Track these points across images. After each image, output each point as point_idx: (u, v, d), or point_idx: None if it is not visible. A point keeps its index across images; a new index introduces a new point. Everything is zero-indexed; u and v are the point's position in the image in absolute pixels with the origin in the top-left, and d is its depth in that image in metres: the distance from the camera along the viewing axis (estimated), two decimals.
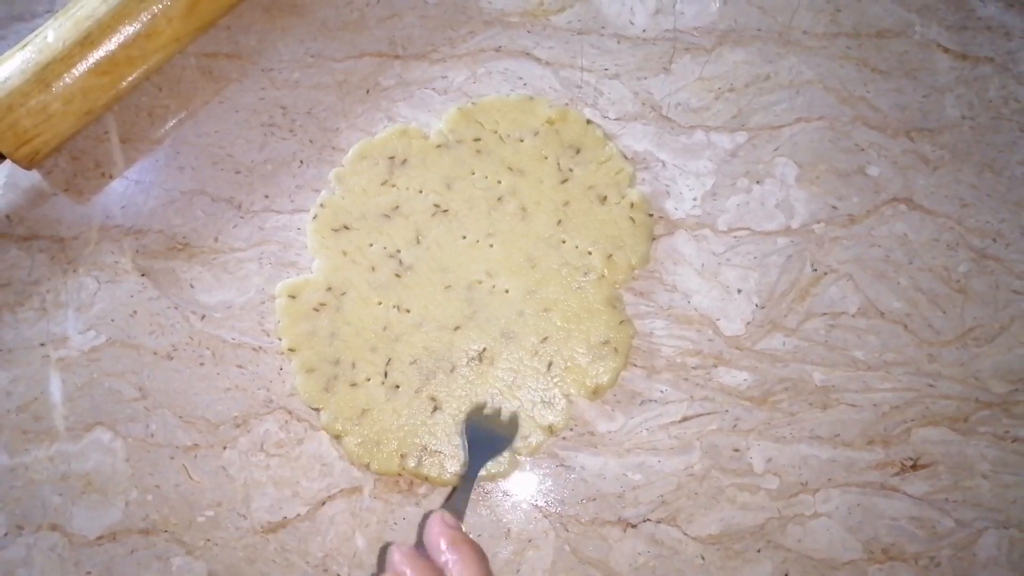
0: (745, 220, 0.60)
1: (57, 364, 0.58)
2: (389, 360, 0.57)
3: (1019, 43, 0.63)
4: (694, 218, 0.60)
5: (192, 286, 0.59)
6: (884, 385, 0.57)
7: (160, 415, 0.57)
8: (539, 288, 0.58)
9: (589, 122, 0.61)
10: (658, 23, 0.63)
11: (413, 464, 0.55)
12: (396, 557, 0.43)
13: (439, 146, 0.60)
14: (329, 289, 0.58)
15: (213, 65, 0.63)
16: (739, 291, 0.59)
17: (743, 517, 0.56)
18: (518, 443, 0.55)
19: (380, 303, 0.58)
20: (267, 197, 0.61)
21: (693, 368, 0.58)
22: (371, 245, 0.59)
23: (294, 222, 0.60)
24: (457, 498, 0.50)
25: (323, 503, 0.56)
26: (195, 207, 0.61)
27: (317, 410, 0.56)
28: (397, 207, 0.59)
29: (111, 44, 0.57)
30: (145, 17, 0.57)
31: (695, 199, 0.60)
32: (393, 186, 0.60)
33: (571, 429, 0.57)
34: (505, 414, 0.56)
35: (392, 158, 0.60)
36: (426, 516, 0.51)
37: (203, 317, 0.59)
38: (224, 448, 0.57)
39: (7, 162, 0.58)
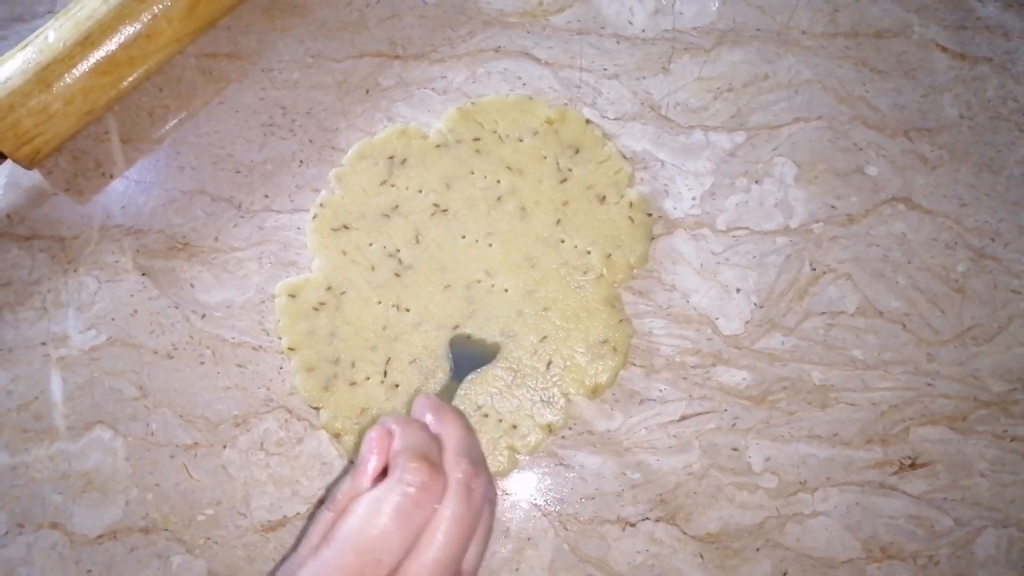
0: (744, 220, 0.60)
1: (58, 363, 0.58)
2: (389, 359, 0.57)
3: (1017, 43, 0.63)
4: (693, 218, 0.60)
5: (192, 285, 0.59)
6: (883, 384, 0.58)
7: (160, 414, 0.57)
8: (538, 287, 0.58)
9: (588, 122, 0.61)
10: (657, 23, 0.63)
11: None
12: (384, 420, 0.42)
13: (438, 146, 0.60)
14: (329, 288, 0.58)
15: (213, 65, 0.63)
16: (738, 290, 0.59)
17: (742, 516, 0.56)
18: (500, 371, 0.56)
19: (380, 302, 0.58)
20: (267, 197, 0.61)
21: (692, 367, 0.58)
22: (371, 244, 0.59)
23: (294, 222, 0.60)
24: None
25: (323, 502, 0.56)
26: (195, 207, 0.61)
27: (317, 409, 0.57)
28: (397, 207, 0.59)
29: (112, 44, 0.57)
30: (146, 18, 0.57)
31: (694, 199, 0.60)
32: (393, 186, 0.60)
33: (570, 428, 0.57)
34: (489, 340, 0.57)
35: (392, 158, 0.60)
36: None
37: (203, 316, 0.59)
38: (224, 447, 0.57)
39: (8, 162, 0.58)
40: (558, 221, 0.59)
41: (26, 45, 0.57)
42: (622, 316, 0.58)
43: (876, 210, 0.60)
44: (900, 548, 0.55)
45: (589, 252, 0.58)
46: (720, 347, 0.58)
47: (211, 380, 0.58)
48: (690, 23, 0.63)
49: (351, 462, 0.56)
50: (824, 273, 0.59)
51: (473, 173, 0.60)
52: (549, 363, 0.57)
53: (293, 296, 0.58)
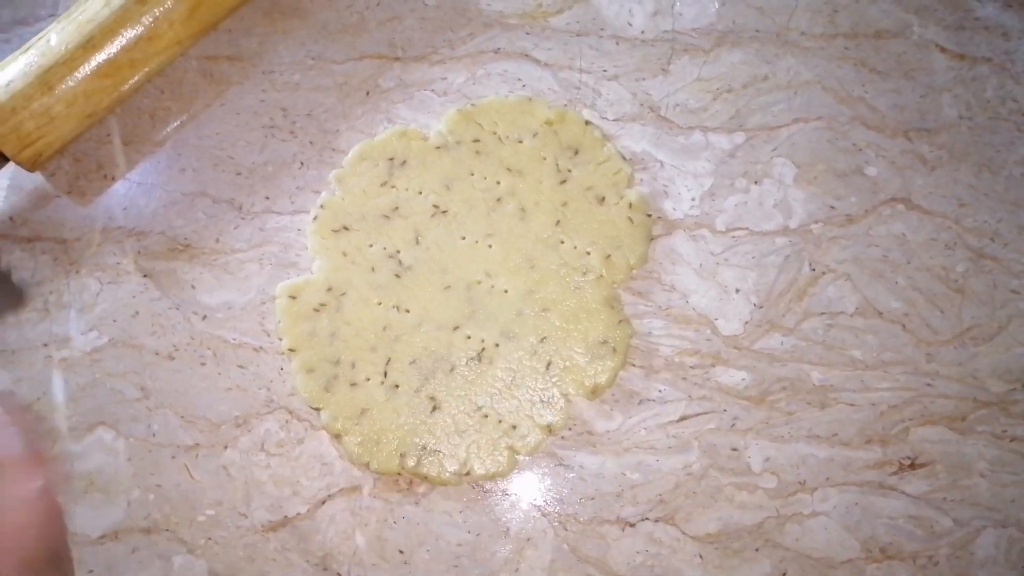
0: (743, 220, 0.60)
1: (60, 365, 0.58)
2: (389, 360, 0.57)
3: (1017, 43, 0.63)
4: (692, 218, 0.60)
5: (193, 287, 0.60)
6: (882, 384, 0.58)
7: (162, 415, 0.58)
8: (538, 288, 0.58)
9: (587, 123, 0.61)
10: (656, 24, 0.63)
11: (412, 463, 0.56)
12: None
13: (438, 147, 0.60)
14: (329, 290, 0.58)
15: (214, 68, 0.63)
16: (737, 291, 0.59)
17: (741, 516, 0.56)
18: None
19: (380, 303, 0.58)
20: (268, 198, 0.61)
21: (691, 368, 0.58)
22: (371, 246, 0.59)
23: (294, 223, 0.61)
24: None
25: (323, 502, 0.56)
26: (196, 208, 0.61)
27: (317, 410, 0.57)
28: (397, 208, 0.60)
29: (113, 47, 0.57)
30: (147, 20, 0.57)
31: (693, 199, 0.61)
32: (393, 187, 0.60)
33: (570, 428, 0.57)
34: None
35: (392, 159, 0.60)
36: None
37: (204, 318, 0.59)
38: (225, 447, 0.57)
39: (10, 164, 0.58)
40: (557, 222, 0.59)
41: (28, 48, 0.57)
42: (621, 317, 0.58)
43: (875, 210, 0.60)
44: (899, 548, 0.55)
45: (588, 253, 0.58)
46: (719, 347, 0.58)
47: (212, 381, 0.58)
48: (689, 24, 0.64)
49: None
50: (823, 273, 0.59)
51: (473, 174, 0.60)
52: (549, 364, 0.57)
53: (294, 297, 0.58)
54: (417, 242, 0.59)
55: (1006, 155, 0.61)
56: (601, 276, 0.58)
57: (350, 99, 0.63)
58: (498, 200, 0.59)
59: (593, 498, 0.56)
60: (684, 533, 0.56)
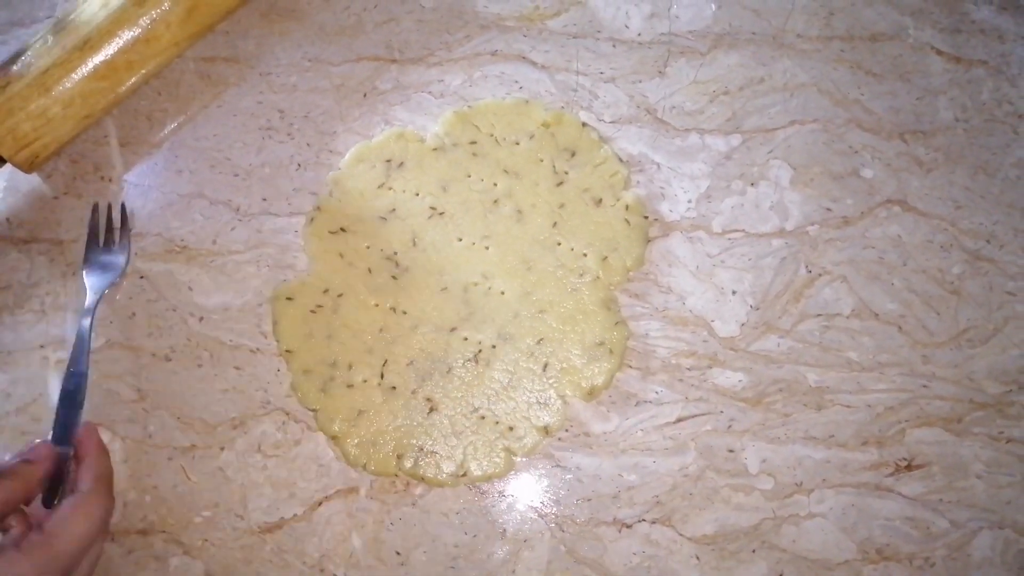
0: (739, 222, 0.60)
1: (56, 366, 0.58)
2: (385, 361, 0.57)
3: (1012, 46, 0.63)
4: (689, 220, 0.60)
5: (190, 288, 0.60)
6: (878, 386, 0.58)
7: (158, 416, 0.58)
8: (535, 290, 0.58)
9: (584, 125, 0.61)
10: (653, 27, 0.64)
11: (409, 465, 0.55)
12: None
13: (435, 149, 0.61)
14: (326, 291, 0.58)
15: (211, 69, 0.63)
16: (734, 293, 0.59)
17: (738, 517, 0.56)
18: None
19: (376, 305, 0.58)
20: (265, 200, 0.61)
21: (688, 369, 0.58)
22: (368, 247, 0.59)
23: (291, 225, 0.61)
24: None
25: (320, 504, 0.56)
26: (193, 210, 0.61)
27: (314, 411, 0.57)
28: (394, 210, 0.60)
29: (110, 49, 0.57)
30: (144, 22, 0.57)
31: (690, 201, 0.61)
32: (390, 189, 0.60)
33: (566, 430, 0.57)
34: None
35: (389, 161, 0.61)
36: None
37: (201, 319, 0.59)
38: (222, 449, 0.57)
39: (7, 166, 0.58)
40: (554, 224, 0.59)
41: (26, 49, 0.57)
42: (618, 318, 0.58)
43: (871, 212, 0.60)
44: (896, 550, 0.55)
45: (585, 255, 0.59)
46: (716, 349, 0.58)
47: (209, 382, 0.58)
48: (686, 27, 0.64)
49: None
50: (819, 275, 0.59)
51: (470, 176, 0.60)
52: (545, 365, 0.57)
53: (291, 299, 0.58)
54: (414, 244, 0.59)
55: (1002, 157, 0.61)
56: (598, 278, 0.58)
57: (347, 101, 0.63)
58: (495, 202, 0.59)
59: (590, 499, 0.56)
60: (681, 534, 0.56)
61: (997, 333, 0.59)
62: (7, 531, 0.49)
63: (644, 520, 0.56)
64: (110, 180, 0.62)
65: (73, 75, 0.57)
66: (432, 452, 0.56)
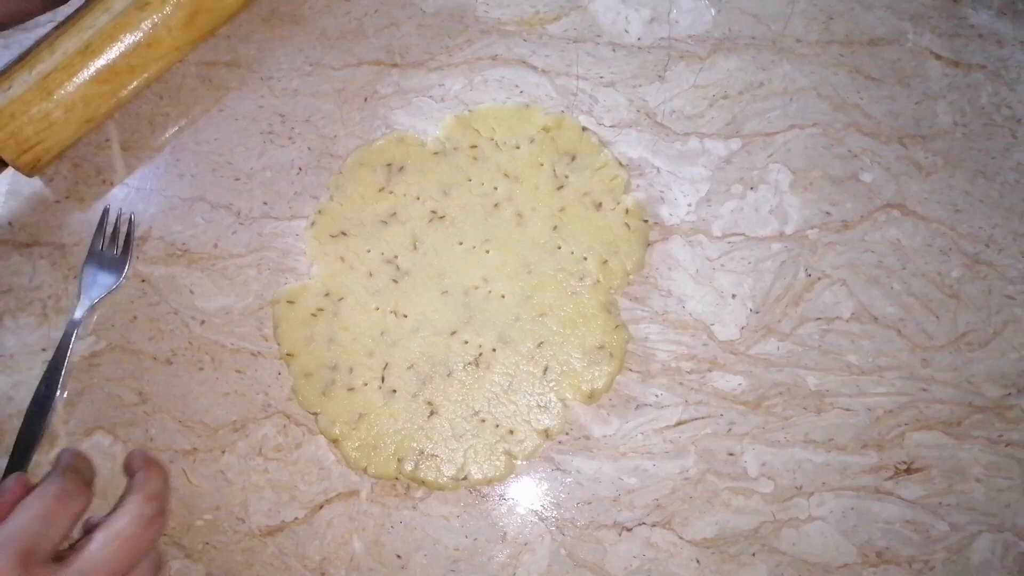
0: (739, 226, 0.60)
1: None
2: (386, 365, 0.57)
3: (1011, 50, 0.64)
4: (689, 224, 0.61)
5: (191, 292, 0.60)
6: (878, 389, 0.58)
7: (159, 419, 0.58)
8: (535, 293, 0.58)
9: (584, 129, 0.61)
10: (653, 31, 0.64)
11: (410, 468, 0.56)
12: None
13: (436, 153, 0.61)
14: (327, 295, 0.58)
15: (213, 74, 0.64)
16: (733, 296, 0.59)
17: (738, 521, 0.56)
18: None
19: (377, 308, 0.58)
20: (266, 204, 0.61)
21: (688, 372, 0.58)
22: (368, 251, 0.59)
23: (292, 228, 0.61)
24: None
25: (320, 507, 0.56)
26: (195, 214, 0.61)
27: (315, 414, 0.57)
28: (394, 213, 0.60)
29: (112, 53, 0.57)
30: (146, 26, 0.58)
31: (690, 205, 0.61)
32: (391, 193, 0.60)
33: (567, 433, 0.57)
34: None
35: (389, 165, 0.61)
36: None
37: (202, 322, 0.59)
38: (223, 452, 0.57)
39: (9, 169, 0.59)
40: (555, 227, 0.59)
41: (28, 53, 0.57)
42: (618, 322, 0.58)
43: (871, 216, 0.61)
44: (896, 553, 0.56)
45: (585, 258, 0.59)
46: (716, 352, 0.58)
47: (210, 386, 0.58)
48: (685, 31, 0.64)
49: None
50: (819, 279, 0.60)
51: (470, 180, 0.60)
52: (546, 368, 0.57)
53: (292, 302, 0.58)
54: (415, 247, 0.59)
55: (1001, 161, 0.62)
56: (598, 281, 0.58)
57: (348, 105, 0.63)
58: (495, 206, 0.60)
59: (590, 503, 0.56)
60: (681, 538, 0.56)
61: (996, 337, 0.59)
62: None
63: (644, 523, 0.56)
64: (112, 184, 0.62)
65: (75, 79, 0.57)
66: (433, 455, 0.56)
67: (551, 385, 0.57)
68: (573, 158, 0.60)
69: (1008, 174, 0.61)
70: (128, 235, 0.60)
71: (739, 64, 0.63)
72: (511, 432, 0.56)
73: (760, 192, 0.61)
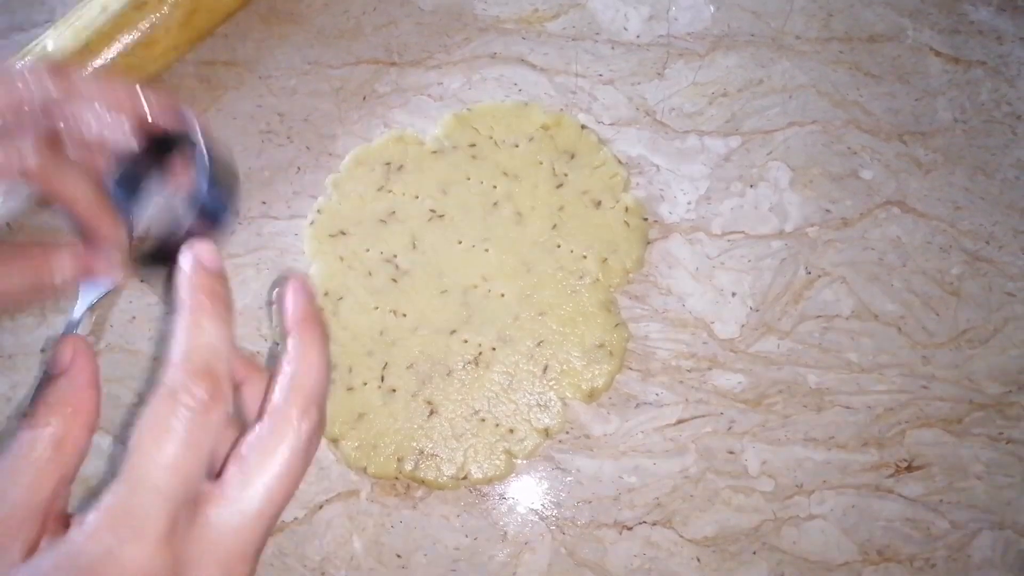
0: (739, 224, 0.60)
1: None
2: (386, 364, 0.57)
3: (1011, 47, 0.63)
4: (688, 222, 0.60)
5: None
6: (878, 387, 0.58)
7: None
8: (534, 292, 0.58)
9: (583, 127, 0.61)
10: (652, 29, 0.64)
11: (410, 467, 0.56)
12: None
13: (435, 152, 0.61)
14: (326, 294, 0.58)
15: (211, 73, 0.64)
16: (733, 294, 0.59)
17: (738, 519, 0.56)
18: None
19: (376, 308, 0.58)
20: (264, 203, 0.61)
21: (688, 371, 0.58)
22: (367, 250, 0.59)
23: (291, 228, 0.61)
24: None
25: (320, 507, 0.56)
26: None
27: None
28: (393, 212, 0.60)
29: (110, 53, 0.57)
30: (144, 26, 0.58)
31: (689, 203, 0.61)
32: (389, 192, 0.60)
33: (567, 432, 0.57)
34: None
35: (388, 164, 0.61)
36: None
37: None
38: None
39: None
40: (554, 226, 0.59)
41: (25, 54, 0.57)
42: (618, 320, 0.58)
43: (871, 213, 0.60)
44: (896, 551, 0.56)
45: (585, 257, 0.59)
46: (716, 351, 0.58)
47: None
48: (685, 28, 0.64)
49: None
50: (819, 276, 0.59)
51: (469, 179, 0.60)
52: (545, 367, 0.57)
53: None
54: (414, 246, 0.59)
55: (1001, 158, 0.61)
56: (598, 280, 0.58)
57: (346, 104, 0.63)
58: (494, 204, 0.60)
59: (590, 502, 0.56)
60: (681, 536, 0.56)
61: (997, 334, 0.59)
62: None
63: (645, 522, 0.56)
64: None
65: None
66: (432, 455, 0.56)
67: (551, 384, 0.57)
68: (572, 156, 0.60)
69: (1008, 171, 0.61)
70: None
71: (738, 61, 0.63)
72: (511, 431, 0.56)
73: (760, 190, 0.61)
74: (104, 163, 0.40)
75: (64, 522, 0.31)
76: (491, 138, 0.61)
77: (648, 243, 0.60)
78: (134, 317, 0.59)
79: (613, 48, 0.63)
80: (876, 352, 0.58)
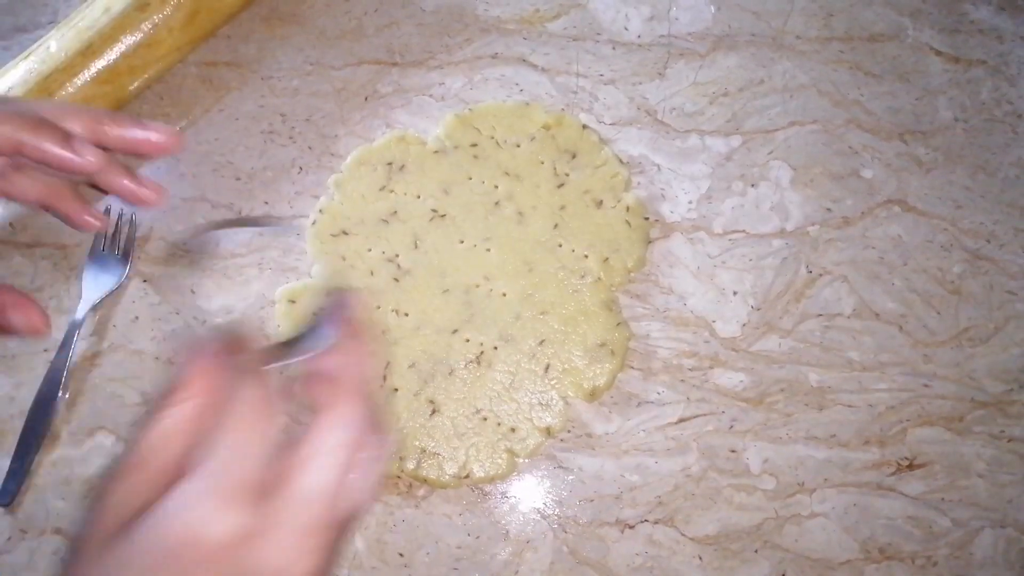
0: (740, 223, 0.60)
1: None
2: (388, 364, 0.57)
3: (1011, 45, 0.64)
4: (689, 221, 0.60)
5: (193, 292, 0.60)
6: (879, 386, 0.58)
7: None
8: (536, 291, 0.58)
9: (585, 127, 0.61)
10: (652, 29, 0.64)
11: (412, 466, 0.56)
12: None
13: (436, 152, 0.61)
14: (328, 294, 0.58)
15: (213, 74, 0.64)
16: (735, 293, 0.59)
17: (740, 517, 0.56)
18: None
19: (379, 307, 0.58)
20: (267, 203, 0.61)
21: (689, 370, 0.58)
22: (369, 250, 0.59)
23: (293, 228, 0.61)
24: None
25: None
26: (196, 214, 0.61)
27: None
28: (395, 212, 0.60)
29: (113, 54, 0.58)
30: (146, 27, 0.58)
31: (690, 202, 0.61)
32: (391, 192, 0.60)
33: (569, 431, 0.57)
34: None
35: (390, 164, 0.61)
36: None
37: (204, 322, 0.59)
38: None
39: None
40: (555, 225, 0.59)
41: (28, 55, 0.57)
42: (619, 319, 0.58)
43: (872, 212, 0.61)
44: (898, 549, 0.56)
45: (586, 256, 0.59)
46: (717, 349, 0.58)
47: None
48: (685, 29, 0.64)
49: None
50: (820, 275, 0.60)
51: (471, 179, 0.60)
52: (547, 366, 0.57)
53: (293, 302, 0.58)
54: (416, 246, 0.59)
55: (1001, 157, 0.62)
56: (599, 279, 0.58)
57: (348, 104, 0.63)
58: (496, 204, 0.60)
59: (592, 500, 0.56)
60: (683, 535, 0.56)
61: (998, 332, 0.59)
62: None
63: (647, 520, 0.56)
64: None
65: (76, 80, 0.57)
66: (435, 454, 0.56)
67: (553, 383, 0.57)
68: (574, 156, 0.60)
69: (1009, 169, 0.61)
70: (129, 236, 0.60)
71: (739, 61, 0.63)
72: (513, 430, 0.56)
73: (761, 189, 0.61)
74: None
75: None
76: (493, 138, 0.61)
77: (649, 242, 0.60)
78: (137, 317, 0.60)
79: (614, 48, 0.64)
80: (877, 351, 0.58)
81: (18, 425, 0.57)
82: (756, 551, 0.56)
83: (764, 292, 0.59)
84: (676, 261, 0.60)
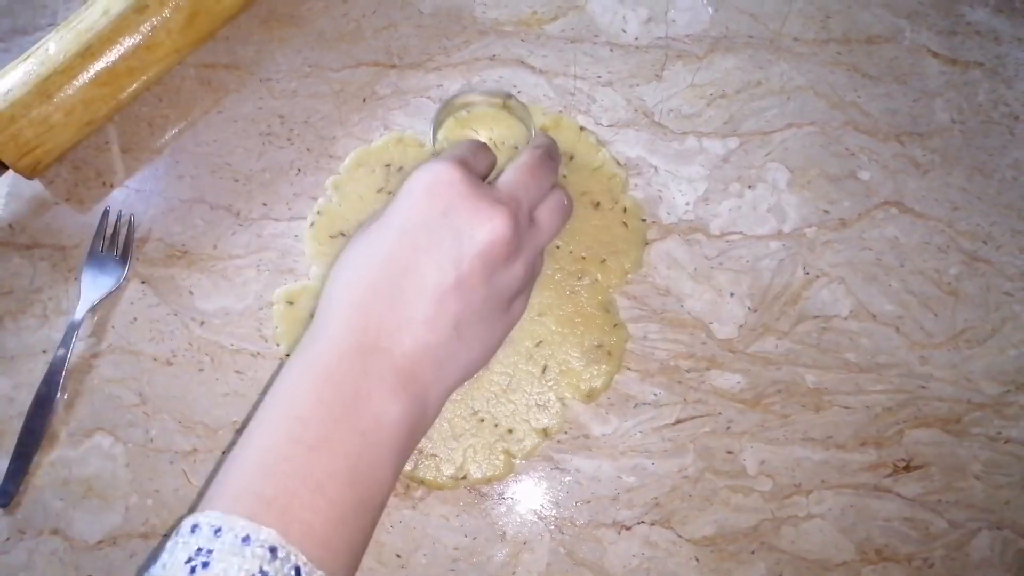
0: (737, 224, 0.61)
1: None
2: None
3: (1008, 47, 0.64)
4: (687, 223, 0.61)
5: (191, 293, 0.60)
6: (876, 387, 0.58)
7: (160, 420, 0.58)
8: (533, 293, 0.58)
9: (582, 129, 0.61)
10: (650, 31, 0.64)
11: (409, 467, 0.56)
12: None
13: (434, 154, 0.61)
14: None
15: (212, 76, 0.64)
16: (732, 295, 0.59)
17: (737, 519, 0.56)
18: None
19: None
20: (265, 205, 0.62)
21: (686, 371, 0.58)
22: None
23: (292, 229, 0.61)
24: None
25: None
26: (194, 215, 0.61)
27: None
28: None
29: (112, 56, 0.58)
30: (145, 29, 0.58)
31: (688, 204, 0.61)
32: (389, 193, 0.60)
33: (565, 432, 0.57)
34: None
35: (388, 166, 0.61)
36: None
37: (202, 323, 0.59)
38: (223, 453, 0.57)
39: (9, 172, 0.59)
40: None
41: (27, 57, 0.57)
42: (617, 321, 0.58)
43: (868, 214, 0.61)
44: (895, 550, 0.56)
45: (584, 257, 0.59)
46: (714, 351, 0.58)
47: (210, 386, 0.58)
48: (683, 30, 0.64)
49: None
50: (817, 277, 0.60)
51: None
52: (544, 368, 0.57)
53: (291, 303, 0.59)
54: None
55: (998, 158, 0.62)
56: (596, 281, 0.58)
57: (347, 106, 0.63)
58: None
59: (589, 502, 0.56)
60: (680, 536, 0.56)
61: (995, 334, 0.59)
62: None
63: (643, 522, 0.56)
64: (111, 186, 0.62)
65: (75, 82, 0.57)
66: (431, 455, 0.56)
67: (550, 384, 0.57)
68: (571, 158, 0.61)
69: (1006, 171, 0.61)
70: (128, 237, 0.60)
71: (736, 63, 0.63)
72: (510, 431, 0.56)
73: (758, 191, 0.61)
74: None
75: None
76: (490, 140, 0.61)
77: (647, 244, 0.60)
78: (135, 318, 0.60)
79: (611, 50, 0.64)
80: (874, 352, 0.58)
81: (16, 426, 0.57)
82: (753, 552, 0.56)
83: (761, 294, 0.59)
84: (673, 263, 0.60)
